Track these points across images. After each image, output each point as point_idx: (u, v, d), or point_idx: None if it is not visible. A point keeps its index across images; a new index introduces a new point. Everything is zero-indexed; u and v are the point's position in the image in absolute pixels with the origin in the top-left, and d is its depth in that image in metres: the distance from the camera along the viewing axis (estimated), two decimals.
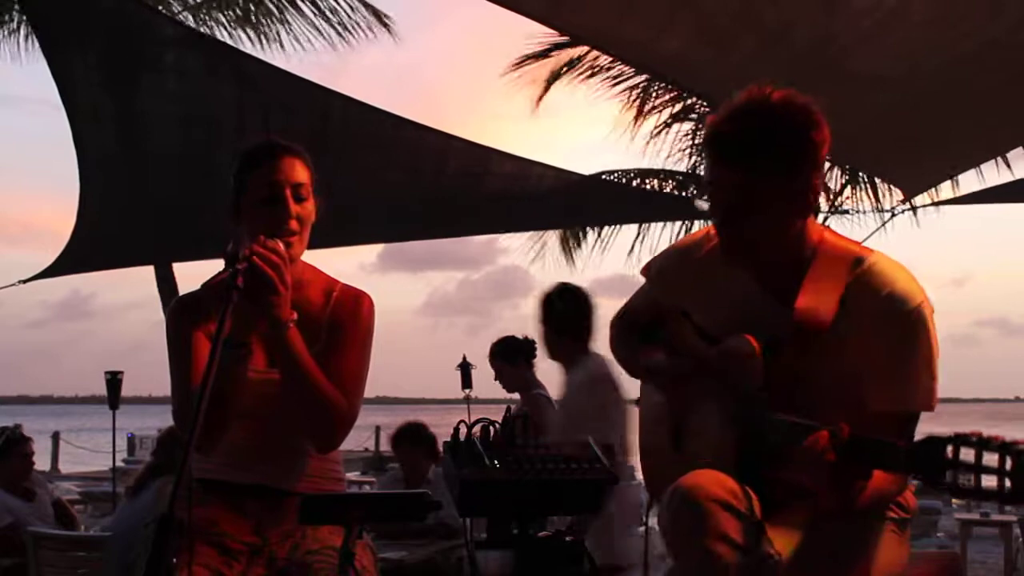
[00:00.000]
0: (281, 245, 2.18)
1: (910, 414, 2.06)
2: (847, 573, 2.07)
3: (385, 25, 13.54)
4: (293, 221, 2.31)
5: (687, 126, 14.94)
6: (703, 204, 13.99)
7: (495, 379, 5.99)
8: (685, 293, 2.37)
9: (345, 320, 2.40)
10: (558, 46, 13.65)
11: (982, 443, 1.68)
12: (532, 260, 15.43)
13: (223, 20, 13.83)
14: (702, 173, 14.97)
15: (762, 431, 2.06)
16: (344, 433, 2.36)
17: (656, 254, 2.55)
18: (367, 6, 13.44)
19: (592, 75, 14.05)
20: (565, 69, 14.06)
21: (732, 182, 2.06)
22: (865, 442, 1.88)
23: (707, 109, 13.86)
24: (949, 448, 1.71)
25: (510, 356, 5.81)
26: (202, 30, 12.70)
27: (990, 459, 1.68)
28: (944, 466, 1.71)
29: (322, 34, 13.51)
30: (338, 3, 13.31)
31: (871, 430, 1.93)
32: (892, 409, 2.04)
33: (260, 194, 2.33)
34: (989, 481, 1.68)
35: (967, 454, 1.70)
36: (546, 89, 14.28)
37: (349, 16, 13.36)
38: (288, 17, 13.58)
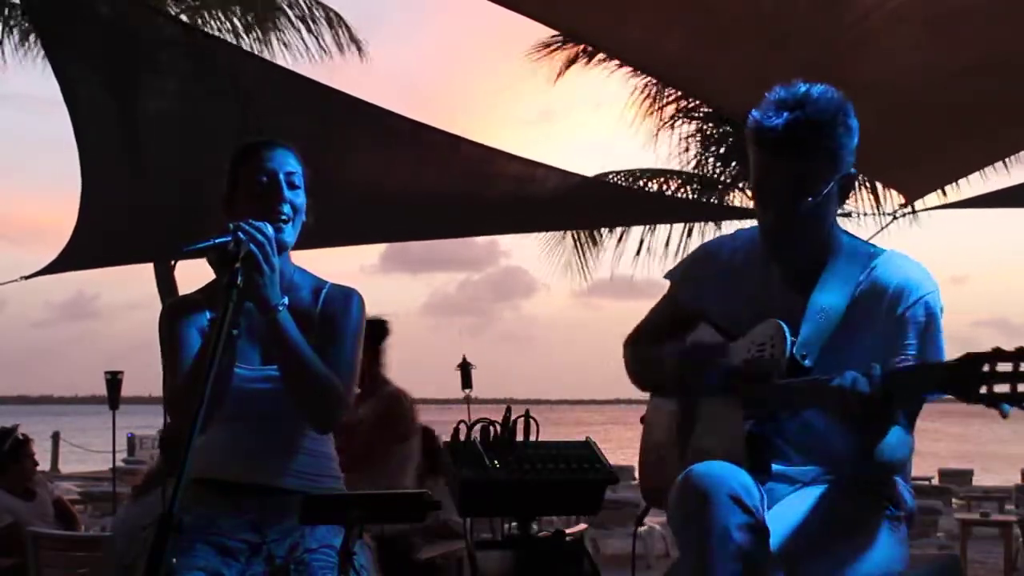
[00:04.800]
0: (268, 227, 2.20)
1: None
2: (844, 570, 2.08)
3: (357, 46, 14.09)
4: (286, 206, 2.36)
5: (692, 126, 14.95)
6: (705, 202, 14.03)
7: None
8: (708, 293, 2.41)
9: (336, 313, 2.44)
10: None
11: (1020, 354, 1.71)
12: (543, 260, 15.37)
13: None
14: (703, 172, 15.03)
15: (775, 405, 2.10)
16: (341, 413, 2.39)
17: (680, 260, 2.63)
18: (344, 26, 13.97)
19: (593, 61, 14.11)
20: (580, 55, 14.14)
21: (789, 171, 2.12)
22: (900, 373, 1.91)
23: (709, 109, 13.88)
24: (986, 365, 1.74)
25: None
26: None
27: None
28: (981, 379, 1.74)
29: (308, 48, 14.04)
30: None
31: None
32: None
33: (253, 182, 2.37)
34: None
35: (1004, 367, 1.72)
36: (567, 66, 14.38)
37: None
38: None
